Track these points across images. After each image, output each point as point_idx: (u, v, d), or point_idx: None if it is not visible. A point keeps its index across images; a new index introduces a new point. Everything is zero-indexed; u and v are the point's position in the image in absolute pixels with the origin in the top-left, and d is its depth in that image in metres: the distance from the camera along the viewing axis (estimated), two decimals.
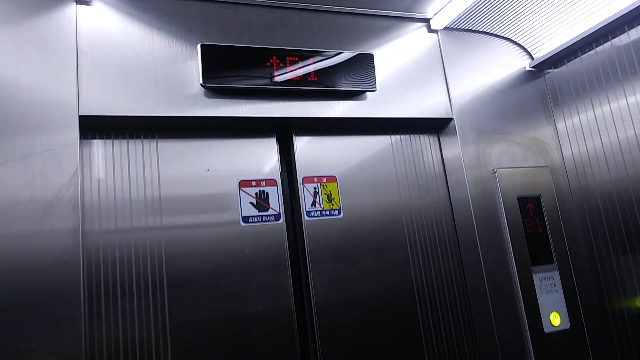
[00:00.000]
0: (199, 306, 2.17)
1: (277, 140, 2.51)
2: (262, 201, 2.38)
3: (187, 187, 2.27)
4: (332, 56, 2.46)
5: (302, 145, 2.54)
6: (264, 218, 2.37)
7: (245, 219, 2.34)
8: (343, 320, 2.39)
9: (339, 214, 2.51)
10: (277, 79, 2.32)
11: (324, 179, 2.53)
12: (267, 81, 2.30)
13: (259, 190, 2.39)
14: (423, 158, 2.79)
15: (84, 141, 2.13)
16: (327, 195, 2.51)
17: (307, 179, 2.50)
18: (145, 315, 2.08)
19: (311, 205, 2.47)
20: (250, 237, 2.32)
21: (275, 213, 2.40)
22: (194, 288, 2.17)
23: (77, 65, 2.03)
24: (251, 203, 2.36)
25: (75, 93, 1.99)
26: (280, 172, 2.48)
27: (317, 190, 2.50)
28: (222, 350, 2.17)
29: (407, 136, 2.79)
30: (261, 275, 2.30)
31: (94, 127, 2.13)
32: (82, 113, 1.99)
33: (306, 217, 2.44)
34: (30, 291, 1.75)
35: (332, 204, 2.51)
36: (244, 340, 2.21)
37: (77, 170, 1.91)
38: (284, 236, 2.39)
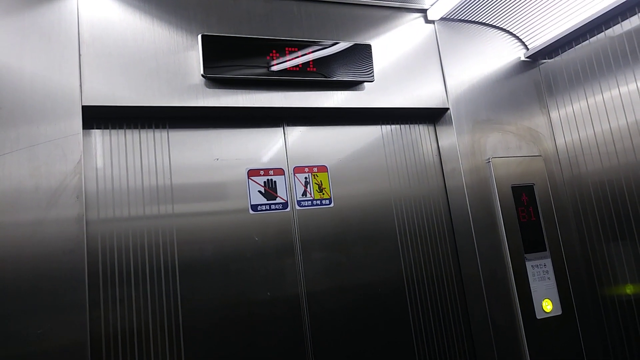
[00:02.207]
0: (210, 292, 2.22)
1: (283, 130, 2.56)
2: (270, 190, 2.42)
3: (198, 175, 2.31)
4: (331, 46, 2.48)
5: (293, 135, 2.57)
6: (272, 206, 2.41)
7: (254, 207, 2.38)
8: (333, 307, 2.43)
9: (330, 203, 2.54)
10: (276, 69, 2.34)
11: (315, 169, 2.55)
12: (267, 71, 2.32)
13: (267, 179, 2.43)
14: (419, 148, 2.82)
15: (88, 131, 2.14)
16: (318, 185, 2.53)
17: (298, 169, 2.53)
18: (159, 300, 2.13)
19: (302, 195, 2.49)
20: (259, 225, 2.37)
21: (283, 201, 2.44)
22: (205, 274, 2.22)
23: (80, 55, 2.04)
24: (260, 191, 2.40)
25: (78, 83, 2.00)
26: None
27: (308, 180, 2.53)
28: (232, 334, 2.22)
29: (403, 126, 2.82)
30: (270, 261, 2.35)
31: (97, 116, 2.15)
32: (85, 103, 2.00)
33: (297, 207, 2.47)
34: (36, 279, 1.78)
35: (323, 194, 2.53)
36: (253, 325, 2.26)
37: (81, 159, 1.92)
38: (292, 224, 2.43)
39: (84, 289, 1.84)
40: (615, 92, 2.50)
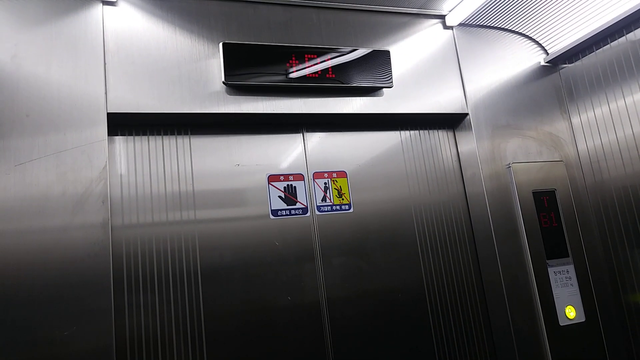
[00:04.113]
0: (232, 297, 2.24)
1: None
2: (290, 195, 2.44)
3: (219, 181, 2.34)
4: (350, 53, 2.50)
5: (312, 141, 2.59)
6: (292, 211, 2.43)
7: (275, 213, 2.40)
8: (353, 312, 2.43)
9: (349, 208, 2.55)
10: (295, 76, 2.36)
11: (334, 174, 2.57)
12: (286, 78, 2.34)
13: (287, 185, 2.45)
14: (438, 153, 2.82)
15: (112, 137, 2.18)
16: (338, 190, 2.54)
17: (318, 174, 2.54)
18: (182, 305, 2.16)
19: (322, 200, 2.51)
20: (279, 230, 2.39)
21: (303, 207, 2.45)
22: (227, 279, 2.24)
23: (105, 64, 2.09)
24: (280, 197, 2.42)
25: (103, 91, 2.05)
26: None
27: (327, 185, 2.54)
28: (254, 339, 2.23)
29: (423, 131, 2.82)
30: (290, 267, 2.37)
31: (122, 123, 2.19)
32: (110, 110, 2.05)
33: (317, 212, 2.49)
34: (62, 284, 1.81)
35: (343, 199, 2.54)
36: (274, 330, 2.27)
37: (106, 165, 1.96)
38: (312, 229, 2.45)
39: (109, 293, 1.87)
40: (637, 96, 2.47)
